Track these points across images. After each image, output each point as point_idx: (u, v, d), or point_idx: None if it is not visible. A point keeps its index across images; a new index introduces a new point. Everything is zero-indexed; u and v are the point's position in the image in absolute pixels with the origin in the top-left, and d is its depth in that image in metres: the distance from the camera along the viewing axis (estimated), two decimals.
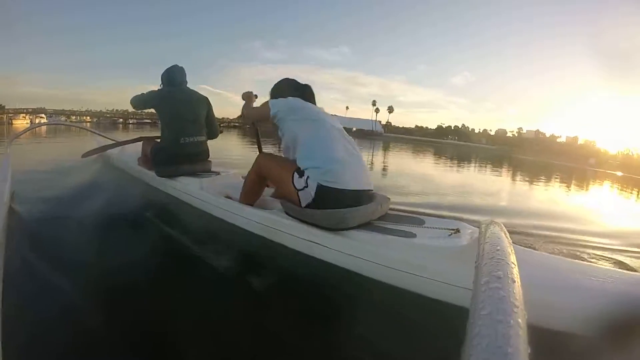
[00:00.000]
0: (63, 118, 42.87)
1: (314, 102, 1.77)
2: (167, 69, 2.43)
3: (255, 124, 2.29)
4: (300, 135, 1.53)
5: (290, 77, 1.86)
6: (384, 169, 6.73)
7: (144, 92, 2.44)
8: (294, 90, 1.77)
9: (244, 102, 1.98)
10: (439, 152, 17.12)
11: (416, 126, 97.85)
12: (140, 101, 2.44)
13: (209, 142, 2.55)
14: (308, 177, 1.41)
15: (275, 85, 1.86)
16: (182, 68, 2.45)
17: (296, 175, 1.44)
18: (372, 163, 7.57)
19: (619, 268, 1.14)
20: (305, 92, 1.78)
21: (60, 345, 0.99)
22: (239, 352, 1.02)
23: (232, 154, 6.71)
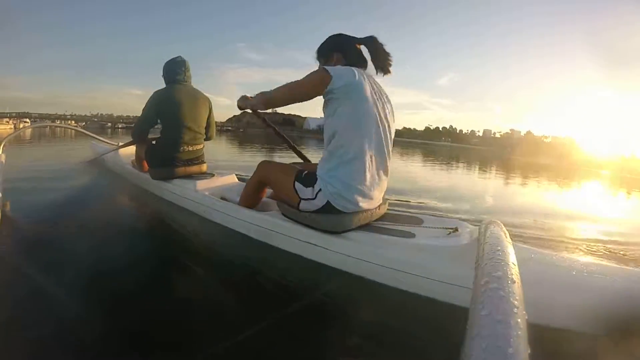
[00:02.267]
0: (48, 122, 42.09)
1: (383, 60, 1.42)
2: (167, 62, 2.25)
3: (278, 130, 1.96)
4: (340, 138, 1.30)
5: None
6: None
7: (142, 111, 2.25)
8: (355, 45, 1.43)
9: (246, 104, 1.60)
10: (445, 155, 16.58)
11: (404, 128, 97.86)
12: (143, 125, 2.29)
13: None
14: (320, 190, 1.31)
15: (327, 41, 1.47)
16: (182, 61, 2.25)
17: (299, 184, 1.38)
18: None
19: (620, 265, 1.15)
20: (372, 49, 1.42)
21: (53, 350, 0.98)
22: (237, 355, 1.01)
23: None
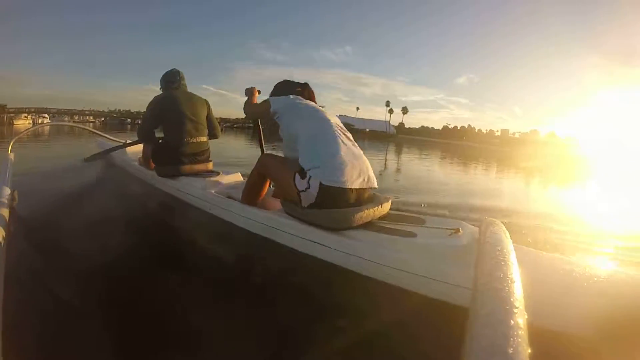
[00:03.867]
0: (67, 118, 42.89)
1: (314, 100, 1.80)
2: (165, 72, 2.46)
3: (258, 123, 2.31)
4: (301, 133, 1.51)
5: (295, 78, 1.88)
6: None
7: (145, 112, 2.41)
8: (293, 89, 1.81)
9: (246, 97, 2.02)
10: (481, 158, 15.45)
11: (422, 126, 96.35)
12: (147, 124, 2.41)
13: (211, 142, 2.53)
14: (310, 177, 1.37)
15: (275, 85, 1.90)
16: (178, 72, 2.47)
17: (298, 176, 1.41)
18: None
19: (620, 268, 1.12)
20: (304, 90, 1.82)
21: (61, 345, 0.99)
22: (240, 351, 1.01)
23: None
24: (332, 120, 1.57)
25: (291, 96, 1.68)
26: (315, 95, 1.85)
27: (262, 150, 2.29)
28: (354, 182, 1.38)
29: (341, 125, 1.62)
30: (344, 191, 1.35)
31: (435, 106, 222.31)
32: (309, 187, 1.36)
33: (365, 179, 1.44)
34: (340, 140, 1.48)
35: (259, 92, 2.06)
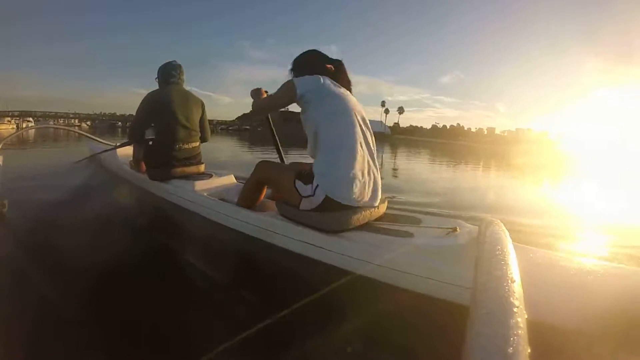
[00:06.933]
0: (51, 121, 42.14)
1: (347, 82, 1.58)
2: (163, 65, 2.35)
3: (270, 122, 2.14)
4: (322, 133, 1.40)
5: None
6: None
7: (136, 112, 2.29)
8: (322, 66, 1.54)
9: (252, 99, 1.77)
10: (503, 159, 14.19)
11: (410, 125, 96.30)
12: (138, 125, 2.32)
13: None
14: (317, 185, 1.35)
15: (300, 57, 1.61)
16: (178, 65, 2.36)
17: (299, 182, 1.39)
18: None
19: (620, 264, 1.14)
20: (337, 70, 1.56)
21: (51, 351, 0.98)
22: (236, 354, 1.01)
23: None
24: (357, 121, 1.43)
25: (321, 79, 1.43)
26: None
27: (282, 159, 2.14)
28: (361, 200, 1.36)
29: (367, 123, 1.49)
30: (348, 207, 1.34)
31: (421, 105, 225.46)
32: (312, 195, 1.35)
33: (372, 197, 1.41)
34: (360, 150, 1.38)
35: (266, 92, 1.83)
